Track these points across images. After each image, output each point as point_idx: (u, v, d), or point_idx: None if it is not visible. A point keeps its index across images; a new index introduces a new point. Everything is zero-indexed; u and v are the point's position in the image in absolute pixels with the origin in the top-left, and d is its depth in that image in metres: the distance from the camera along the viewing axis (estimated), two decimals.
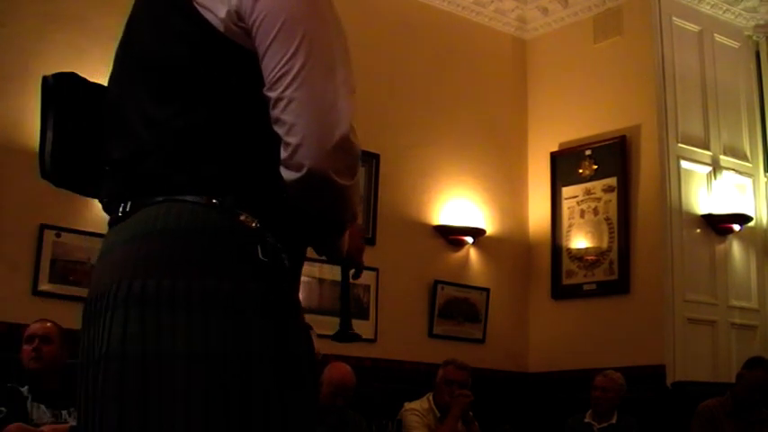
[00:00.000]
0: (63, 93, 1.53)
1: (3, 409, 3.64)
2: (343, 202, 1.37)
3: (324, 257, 1.55)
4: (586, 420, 5.22)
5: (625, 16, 6.36)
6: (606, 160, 6.26)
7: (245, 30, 1.35)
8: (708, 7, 6.50)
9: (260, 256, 1.35)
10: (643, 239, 6.02)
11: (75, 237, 4.73)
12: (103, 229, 4.66)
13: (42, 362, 3.85)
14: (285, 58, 1.31)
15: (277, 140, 1.33)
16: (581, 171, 6.40)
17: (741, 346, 6.05)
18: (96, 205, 5.34)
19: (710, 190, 6.26)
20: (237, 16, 1.35)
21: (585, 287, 6.28)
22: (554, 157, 6.60)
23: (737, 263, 6.33)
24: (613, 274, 6.12)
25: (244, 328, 1.31)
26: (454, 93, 6.46)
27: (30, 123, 4.73)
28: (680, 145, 6.14)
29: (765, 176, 6.62)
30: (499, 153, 6.69)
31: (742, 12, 6.64)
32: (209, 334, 1.29)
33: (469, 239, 6.30)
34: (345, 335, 1.63)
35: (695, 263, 6.06)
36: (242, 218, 1.35)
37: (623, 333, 5.94)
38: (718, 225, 6.20)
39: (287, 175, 1.33)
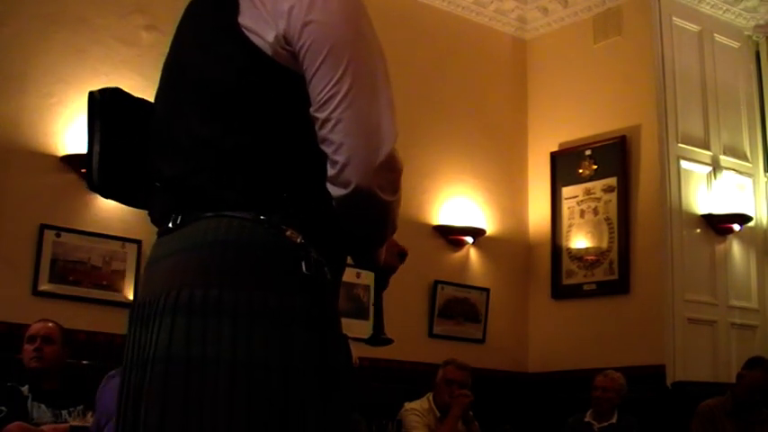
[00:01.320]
0: (109, 108, 1.60)
1: (3, 408, 3.65)
2: (386, 216, 1.45)
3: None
4: (586, 420, 5.22)
5: (625, 16, 6.36)
6: (606, 160, 6.26)
7: (292, 53, 1.40)
8: (708, 7, 6.50)
9: (304, 270, 1.40)
10: (643, 239, 6.02)
11: (75, 237, 4.73)
12: (103, 229, 4.67)
13: (44, 361, 3.86)
14: (332, 82, 1.37)
15: (321, 158, 1.39)
16: (581, 171, 6.40)
17: (741, 346, 6.05)
18: (96, 205, 5.36)
19: (710, 190, 6.26)
20: (285, 40, 1.40)
21: (585, 287, 6.28)
22: (554, 157, 6.60)
23: (737, 263, 6.32)
24: (613, 274, 6.12)
25: (287, 340, 1.36)
26: (454, 93, 6.46)
27: (30, 123, 4.74)
28: (680, 145, 6.14)
29: (765, 176, 6.61)
30: (499, 153, 6.69)
31: (742, 12, 6.64)
32: (253, 343, 1.34)
33: (469, 239, 6.30)
34: (378, 339, 1.69)
35: (695, 263, 6.06)
36: (288, 233, 1.40)
37: (623, 333, 5.94)
38: (718, 225, 6.20)
39: (334, 191, 1.39)
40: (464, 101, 6.51)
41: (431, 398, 4.83)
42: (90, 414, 3.65)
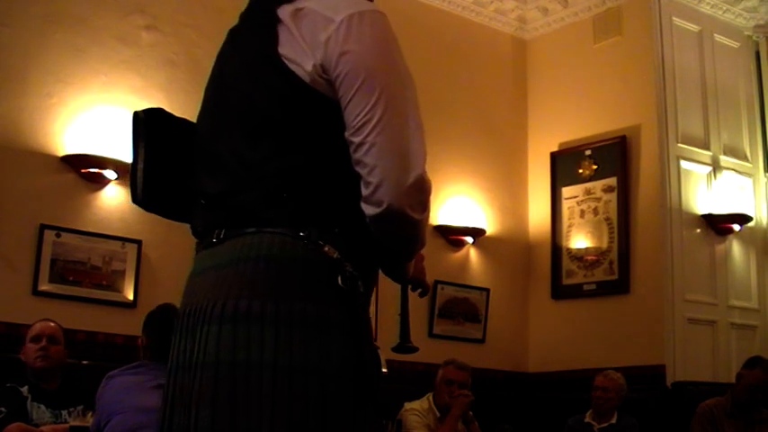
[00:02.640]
0: (152, 126, 1.72)
1: (2, 409, 3.64)
2: (416, 233, 1.55)
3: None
4: (586, 420, 5.22)
5: (625, 16, 6.36)
6: (606, 160, 6.26)
7: (328, 81, 1.51)
8: (708, 7, 6.50)
9: (340, 283, 1.51)
10: (643, 239, 6.02)
11: (75, 237, 4.73)
12: (103, 229, 4.66)
13: (50, 361, 3.87)
14: (366, 109, 1.48)
15: (356, 179, 1.50)
16: (581, 171, 6.40)
17: (741, 346, 6.05)
18: (96, 205, 5.35)
19: (710, 190, 6.26)
20: (322, 69, 1.50)
21: (585, 287, 6.28)
22: (554, 157, 6.60)
23: (737, 263, 6.32)
24: (613, 274, 6.12)
25: (325, 347, 1.47)
26: (454, 93, 6.46)
27: (30, 123, 4.73)
28: (680, 145, 6.14)
29: (765, 176, 6.61)
30: (499, 153, 6.69)
31: (742, 12, 6.64)
32: (293, 349, 1.45)
33: (469, 239, 6.30)
34: (404, 347, 1.82)
35: (695, 263, 6.06)
36: (325, 249, 1.51)
37: (623, 333, 5.94)
38: (718, 225, 6.20)
39: (368, 210, 1.49)
40: (464, 101, 6.52)
41: (431, 398, 4.83)
42: (90, 414, 3.65)
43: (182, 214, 1.72)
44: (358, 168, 1.49)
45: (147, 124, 1.72)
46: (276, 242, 1.50)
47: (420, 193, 1.50)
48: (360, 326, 1.53)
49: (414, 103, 1.53)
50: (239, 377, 1.44)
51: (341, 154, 1.51)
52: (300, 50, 1.51)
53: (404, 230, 1.53)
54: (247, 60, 1.60)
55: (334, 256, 1.51)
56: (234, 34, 1.71)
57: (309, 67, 1.50)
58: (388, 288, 1.82)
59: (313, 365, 1.46)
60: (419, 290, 1.81)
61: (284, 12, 1.55)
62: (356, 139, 1.48)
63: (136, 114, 1.73)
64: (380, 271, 1.67)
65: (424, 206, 1.52)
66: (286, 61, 1.52)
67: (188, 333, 1.54)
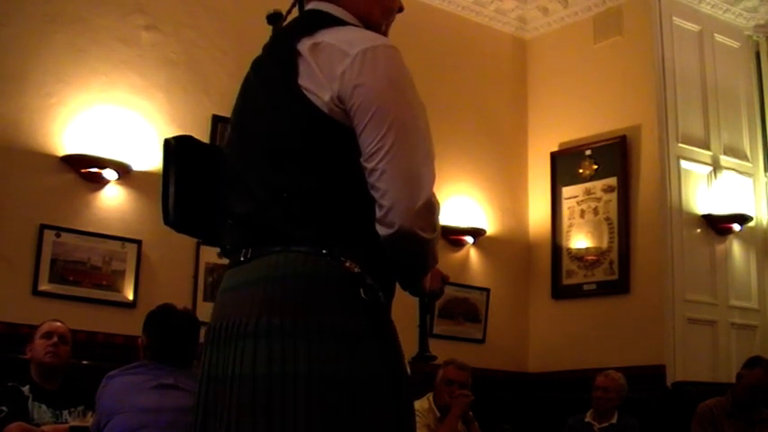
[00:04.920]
0: (182, 153, 1.84)
1: (4, 408, 3.64)
2: (426, 251, 1.67)
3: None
4: (587, 420, 5.22)
5: (625, 16, 6.36)
6: (606, 160, 6.26)
7: (344, 111, 1.61)
8: (708, 7, 6.50)
9: (362, 295, 1.61)
10: (643, 239, 6.02)
11: (75, 237, 4.73)
12: (103, 229, 4.66)
13: (58, 359, 3.89)
14: (378, 137, 1.58)
15: (372, 200, 1.60)
16: (581, 171, 6.40)
17: (741, 346, 6.05)
18: (96, 205, 5.34)
19: (710, 190, 6.26)
20: (339, 100, 1.61)
21: (585, 287, 6.28)
22: (554, 157, 6.60)
23: (737, 263, 6.32)
24: (613, 274, 6.12)
25: (355, 356, 1.57)
26: (454, 92, 6.46)
27: (30, 123, 4.73)
28: (680, 145, 6.14)
29: (765, 176, 6.61)
30: (499, 153, 6.69)
31: (742, 12, 6.64)
32: (325, 360, 1.54)
33: (469, 239, 6.30)
34: (423, 357, 1.92)
35: (695, 263, 6.05)
36: (347, 264, 1.61)
37: (623, 333, 5.94)
38: (718, 225, 6.20)
39: (381, 231, 1.60)
40: (464, 101, 6.51)
41: (431, 398, 4.82)
42: (90, 414, 3.65)
43: (211, 235, 1.84)
44: (372, 192, 1.60)
45: (177, 150, 1.83)
46: (301, 260, 1.60)
47: (429, 215, 1.62)
48: (386, 333, 1.64)
49: (424, 132, 1.65)
50: (276, 389, 1.53)
51: (358, 177, 1.61)
52: (318, 82, 1.62)
53: (415, 249, 1.64)
54: (270, 90, 1.71)
55: (355, 270, 1.61)
56: (257, 64, 1.81)
57: (327, 98, 1.60)
58: (402, 300, 1.87)
59: (345, 374, 1.55)
60: (434, 296, 1.94)
61: (303, 45, 1.65)
62: (369, 166, 1.59)
63: (167, 141, 1.85)
64: (398, 285, 1.77)
65: (434, 226, 1.64)
66: (306, 92, 1.62)
67: (220, 346, 1.63)
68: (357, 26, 1.74)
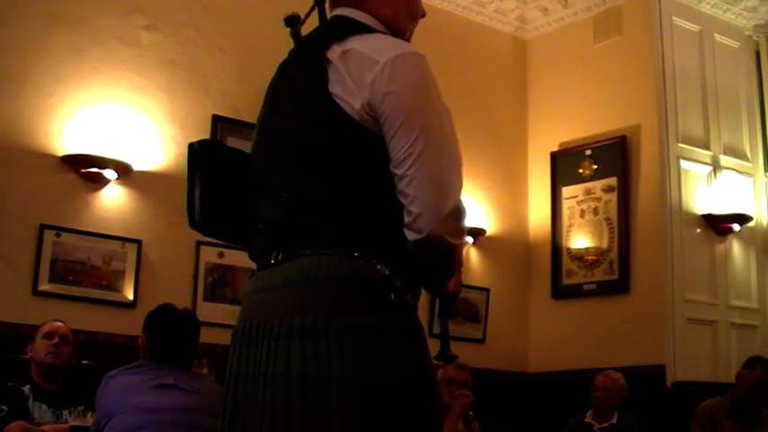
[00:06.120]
0: (206, 157, 1.85)
1: (4, 407, 3.64)
2: (453, 256, 1.70)
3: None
4: (587, 420, 5.22)
5: (625, 16, 6.36)
6: (606, 160, 6.26)
7: (374, 118, 1.64)
8: (708, 7, 6.50)
9: (393, 297, 1.64)
10: (643, 239, 6.01)
11: (75, 237, 4.73)
12: (103, 229, 4.65)
13: (59, 359, 3.89)
14: (407, 145, 1.61)
15: (400, 205, 1.63)
16: (581, 171, 6.40)
17: (741, 346, 6.05)
18: (96, 205, 5.33)
19: (710, 190, 6.26)
20: (369, 107, 1.64)
21: (585, 287, 6.28)
22: (554, 157, 6.60)
23: (737, 263, 6.32)
24: (613, 274, 6.12)
25: (386, 356, 1.60)
26: (454, 92, 6.40)
27: (30, 123, 4.73)
28: (680, 145, 6.14)
29: (765, 176, 6.61)
30: (499, 153, 6.69)
31: (742, 12, 6.64)
32: (357, 360, 1.58)
33: (469, 239, 6.30)
34: (445, 356, 1.96)
35: (695, 263, 6.05)
36: (378, 267, 1.64)
37: (623, 333, 5.94)
38: (718, 225, 6.20)
39: (410, 236, 1.63)
40: (464, 101, 6.50)
41: None
42: (90, 414, 3.65)
43: (237, 238, 1.87)
44: (400, 197, 1.63)
45: (202, 155, 1.85)
46: (333, 263, 1.63)
47: (457, 221, 1.64)
48: (414, 334, 1.67)
49: (451, 139, 1.68)
50: (310, 389, 1.56)
51: (387, 183, 1.64)
52: (349, 89, 1.65)
53: (443, 254, 1.67)
54: (299, 97, 1.73)
55: (386, 273, 1.64)
56: (284, 70, 1.84)
57: (358, 106, 1.64)
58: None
59: (377, 374, 1.58)
60: (454, 297, 1.95)
61: (333, 53, 1.68)
62: (398, 172, 1.62)
63: (191, 146, 1.86)
64: (423, 287, 1.80)
65: (461, 232, 1.67)
66: (336, 99, 1.65)
67: (250, 347, 1.67)
68: (384, 33, 1.76)
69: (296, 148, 1.71)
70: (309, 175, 1.67)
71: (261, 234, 1.75)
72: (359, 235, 1.65)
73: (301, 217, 1.67)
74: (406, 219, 1.63)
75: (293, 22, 1.92)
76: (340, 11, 1.80)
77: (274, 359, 1.61)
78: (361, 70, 1.64)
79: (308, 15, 1.92)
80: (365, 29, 1.74)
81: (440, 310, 2.00)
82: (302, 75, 1.74)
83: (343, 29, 1.73)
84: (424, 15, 1.92)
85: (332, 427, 1.54)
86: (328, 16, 1.86)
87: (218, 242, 5.04)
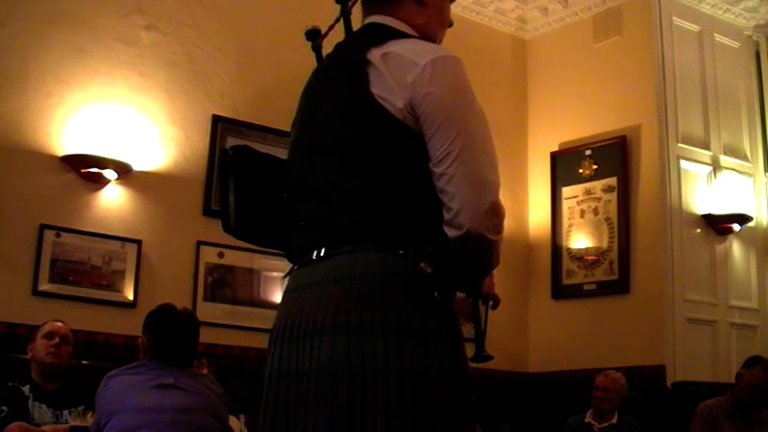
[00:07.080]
0: (240, 163, 1.90)
1: (4, 408, 3.64)
2: (492, 252, 1.72)
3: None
4: (587, 420, 5.22)
5: (625, 16, 6.36)
6: (606, 160, 6.26)
7: (415, 117, 1.69)
8: (708, 7, 6.50)
9: (436, 295, 1.69)
10: (643, 239, 6.01)
11: (75, 237, 4.73)
12: (103, 229, 4.64)
13: (60, 359, 3.88)
14: (447, 143, 1.66)
15: (439, 203, 1.67)
16: (581, 171, 6.40)
17: (741, 346, 6.05)
18: (96, 205, 5.32)
19: (710, 190, 6.26)
20: (411, 107, 1.68)
21: (585, 287, 6.28)
22: (554, 157, 6.60)
23: (737, 263, 6.32)
24: (613, 274, 6.12)
25: (429, 352, 1.64)
26: None
27: (30, 123, 4.73)
28: (680, 145, 6.14)
29: (765, 176, 6.61)
30: (499, 153, 6.48)
31: (742, 12, 6.64)
32: (402, 355, 1.61)
33: None
34: (480, 357, 1.99)
35: (695, 263, 6.05)
36: (421, 265, 1.68)
37: (623, 333, 5.94)
38: (718, 225, 6.20)
39: (450, 232, 1.66)
40: None
41: None
42: (90, 414, 3.65)
43: (271, 242, 1.91)
44: (440, 195, 1.67)
45: (236, 160, 1.89)
46: (378, 259, 1.67)
47: (495, 217, 1.67)
48: (454, 332, 1.71)
49: (487, 138, 1.74)
50: (355, 383, 1.59)
51: (427, 181, 1.68)
52: (391, 89, 1.69)
53: (481, 250, 1.70)
54: (340, 98, 1.77)
55: (429, 271, 1.68)
56: (322, 74, 1.89)
57: (401, 105, 1.68)
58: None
59: (420, 369, 1.61)
60: (491, 302, 2.00)
61: (374, 55, 1.72)
62: (438, 170, 1.66)
63: (224, 152, 1.91)
64: (458, 288, 1.83)
65: (499, 228, 1.69)
66: (378, 99, 1.69)
67: (291, 343, 1.70)
68: (418, 38, 1.81)
69: (338, 147, 1.74)
70: (352, 173, 1.70)
71: (302, 232, 1.78)
72: (402, 233, 1.68)
73: (345, 214, 1.70)
74: (446, 215, 1.66)
75: (314, 36, 1.97)
76: (374, 18, 1.86)
77: (318, 353, 1.63)
78: (402, 71, 1.69)
79: (331, 28, 1.96)
80: (401, 34, 1.79)
81: (474, 311, 2.03)
82: (343, 77, 1.78)
83: (379, 34, 1.78)
84: (451, 24, 1.98)
85: (377, 422, 1.57)
86: (360, 24, 1.91)
87: (218, 242, 5.06)
